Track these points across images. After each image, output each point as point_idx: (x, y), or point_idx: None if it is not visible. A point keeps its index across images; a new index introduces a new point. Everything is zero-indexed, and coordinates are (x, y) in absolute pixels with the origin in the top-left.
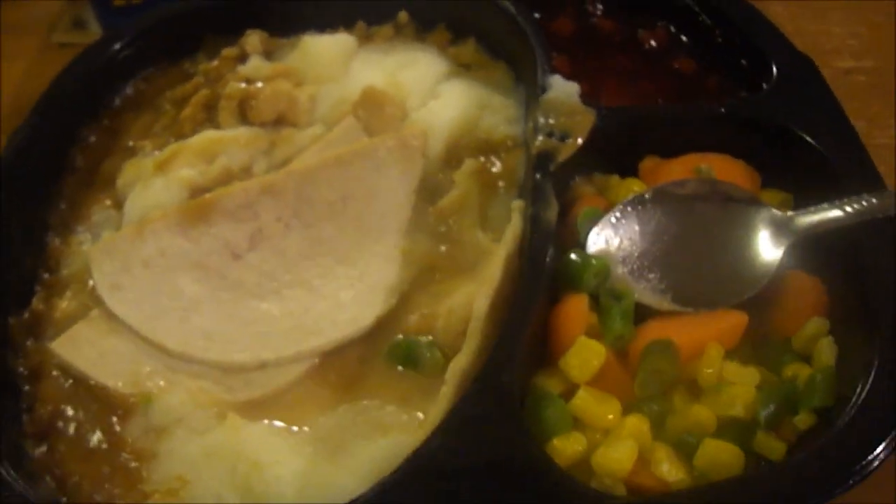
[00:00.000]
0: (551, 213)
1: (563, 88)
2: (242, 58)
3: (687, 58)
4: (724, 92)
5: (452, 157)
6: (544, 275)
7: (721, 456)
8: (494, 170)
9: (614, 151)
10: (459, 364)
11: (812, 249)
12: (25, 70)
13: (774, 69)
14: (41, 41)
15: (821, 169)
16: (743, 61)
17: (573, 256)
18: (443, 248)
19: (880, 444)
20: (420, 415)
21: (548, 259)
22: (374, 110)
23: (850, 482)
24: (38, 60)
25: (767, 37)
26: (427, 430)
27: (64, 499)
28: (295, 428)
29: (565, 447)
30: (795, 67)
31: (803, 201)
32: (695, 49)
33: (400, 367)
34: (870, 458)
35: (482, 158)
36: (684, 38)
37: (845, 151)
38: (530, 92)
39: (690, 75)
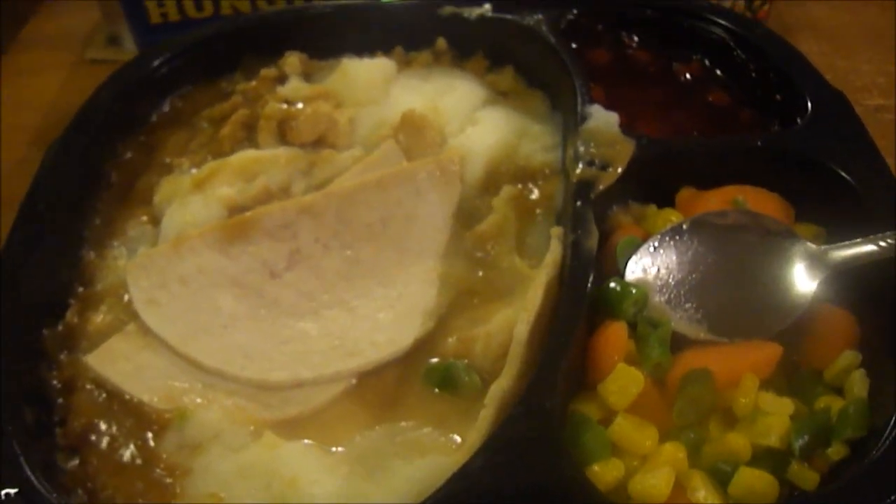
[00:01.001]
0: (592, 241)
1: (602, 118)
2: (281, 79)
3: (721, 91)
4: (757, 125)
5: (490, 183)
6: (584, 301)
7: (756, 484)
8: (532, 197)
9: (652, 181)
10: (500, 387)
11: (844, 283)
12: (59, 85)
13: (809, 104)
14: (75, 56)
15: (854, 204)
16: (777, 96)
17: (612, 284)
18: (480, 272)
19: None
20: (457, 437)
21: (588, 286)
22: (413, 134)
23: None
24: (73, 75)
25: (802, 72)
26: (467, 452)
27: None
28: (332, 448)
29: (605, 473)
30: (830, 103)
31: (836, 235)
32: (729, 83)
33: (437, 390)
34: None
35: (520, 185)
36: (719, 72)
37: (878, 187)
38: (568, 120)
39: (724, 108)
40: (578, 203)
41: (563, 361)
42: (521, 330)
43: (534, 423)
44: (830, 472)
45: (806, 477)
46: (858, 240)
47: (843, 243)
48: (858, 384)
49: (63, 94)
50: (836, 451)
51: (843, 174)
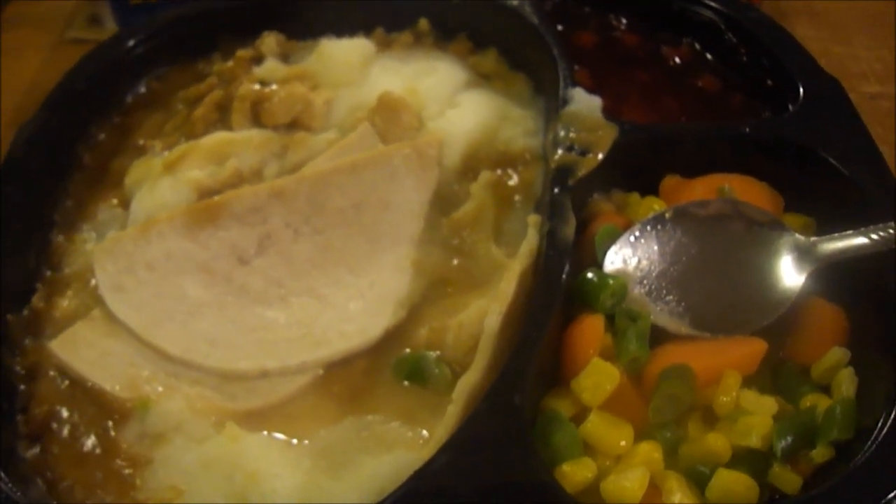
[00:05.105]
0: (569, 229)
1: (585, 102)
2: (258, 59)
3: (711, 76)
4: (748, 111)
5: (469, 168)
6: (559, 292)
7: (735, 487)
8: (511, 183)
9: (635, 169)
10: (468, 381)
11: (834, 276)
12: (39, 65)
13: (801, 90)
14: (56, 36)
15: (846, 194)
16: (768, 81)
17: (590, 275)
18: (455, 261)
19: None
20: (425, 432)
21: (563, 276)
22: (390, 117)
23: None
24: (53, 55)
25: (795, 57)
26: (433, 448)
27: (54, 503)
28: (295, 440)
29: (575, 473)
30: (823, 89)
31: (826, 226)
32: (719, 67)
33: (406, 382)
34: (890, 496)
35: (499, 171)
36: (709, 56)
37: (872, 177)
38: (550, 104)
39: (714, 93)
40: (556, 190)
41: (534, 355)
42: (492, 322)
43: (499, 419)
44: (814, 475)
45: (788, 480)
46: (849, 232)
47: (833, 235)
48: (846, 383)
49: (44, 74)
50: (820, 454)
51: (834, 163)
